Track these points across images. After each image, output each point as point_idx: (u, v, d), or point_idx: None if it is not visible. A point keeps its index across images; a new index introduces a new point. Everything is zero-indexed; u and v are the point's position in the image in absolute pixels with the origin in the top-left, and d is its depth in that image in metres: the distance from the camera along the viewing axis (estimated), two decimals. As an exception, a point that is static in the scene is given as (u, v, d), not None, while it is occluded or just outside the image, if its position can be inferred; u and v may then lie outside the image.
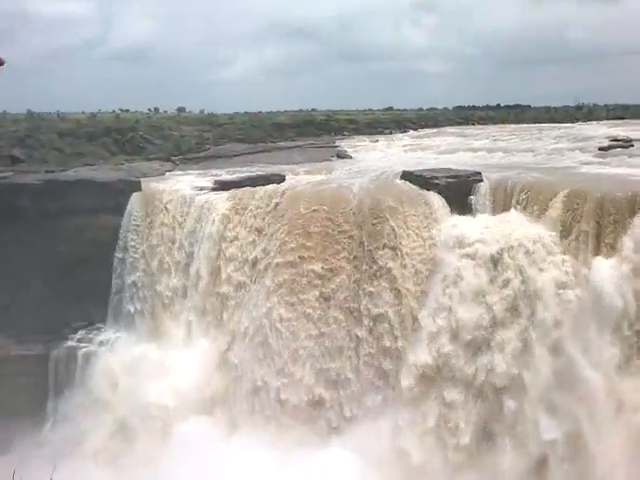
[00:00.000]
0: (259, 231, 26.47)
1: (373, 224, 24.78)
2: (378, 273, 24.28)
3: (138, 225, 27.58)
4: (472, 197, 25.48)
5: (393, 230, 24.47)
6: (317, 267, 24.80)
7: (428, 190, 26.10)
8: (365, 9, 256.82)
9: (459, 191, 25.67)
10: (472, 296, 22.23)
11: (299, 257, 24.92)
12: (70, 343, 27.16)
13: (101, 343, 26.91)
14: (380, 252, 24.32)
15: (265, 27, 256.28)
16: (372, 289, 24.17)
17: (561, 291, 21.30)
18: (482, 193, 25.45)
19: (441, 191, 25.93)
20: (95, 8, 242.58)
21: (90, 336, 27.20)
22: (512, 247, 22.18)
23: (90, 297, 27.04)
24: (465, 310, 22.12)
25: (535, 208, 23.68)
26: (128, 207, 27.70)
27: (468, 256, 22.89)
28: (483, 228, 23.51)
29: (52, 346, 27.12)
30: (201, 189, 28.92)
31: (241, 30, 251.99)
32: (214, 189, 28.71)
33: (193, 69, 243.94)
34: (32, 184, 28.50)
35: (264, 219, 26.46)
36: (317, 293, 24.56)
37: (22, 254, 27.01)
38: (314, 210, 25.49)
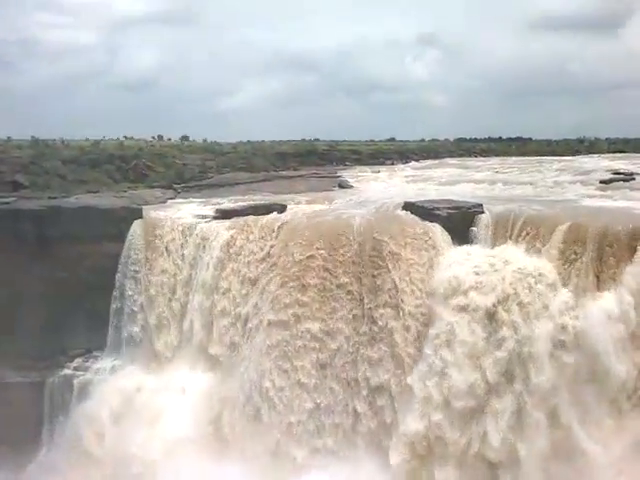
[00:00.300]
0: (252, 282, 25.57)
1: (374, 276, 23.86)
2: (378, 336, 23.30)
3: (137, 271, 27.09)
4: (473, 228, 25.43)
5: (395, 285, 23.45)
6: (314, 327, 23.74)
7: (430, 221, 26.01)
8: (368, 41, 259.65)
9: (460, 222, 25.59)
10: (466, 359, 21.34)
11: (293, 315, 23.86)
12: (66, 371, 26.89)
13: (97, 371, 26.56)
14: (381, 311, 23.38)
15: (268, 58, 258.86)
16: (372, 354, 23.13)
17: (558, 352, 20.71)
18: (483, 224, 25.41)
19: (442, 222, 25.84)
20: (100, 37, 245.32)
21: (87, 364, 26.90)
22: (508, 296, 21.53)
23: (88, 324, 26.82)
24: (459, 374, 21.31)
25: (535, 241, 23.48)
26: (128, 236, 27.57)
27: (463, 309, 22.07)
28: (479, 269, 22.65)
29: (48, 373, 26.85)
30: (203, 217, 28.84)
31: (244, 61, 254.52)
32: (215, 217, 28.66)
33: (197, 98, 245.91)
34: (34, 210, 28.53)
35: (257, 267, 25.51)
36: (313, 359, 23.46)
37: (22, 279, 26.88)
38: (310, 257, 24.38)
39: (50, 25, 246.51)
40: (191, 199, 34.58)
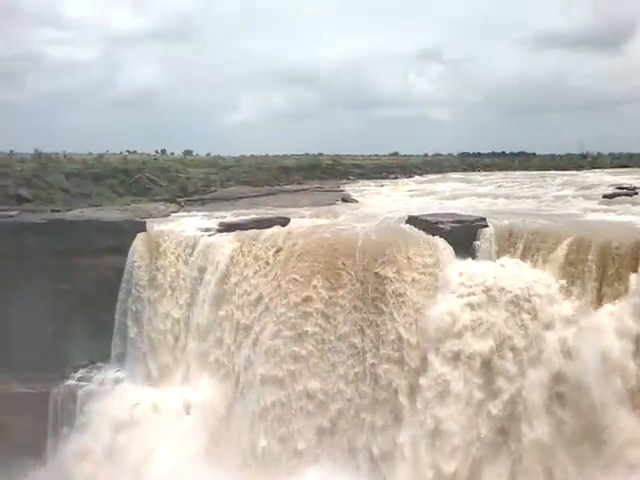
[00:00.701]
0: (246, 330, 24.51)
1: (377, 325, 22.92)
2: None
3: (139, 285, 26.77)
4: (477, 242, 25.38)
5: (399, 337, 22.51)
6: (312, 386, 22.59)
7: (434, 235, 25.93)
8: (369, 55, 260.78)
9: (464, 236, 25.49)
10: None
11: (288, 371, 22.85)
12: (70, 382, 26.89)
13: (102, 382, 26.56)
14: (385, 366, 22.35)
15: (268, 71, 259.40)
16: (375, 419, 22.06)
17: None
18: (487, 238, 25.36)
19: (446, 236, 25.80)
20: (102, 53, 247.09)
21: (91, 375, 26.91)
22: (502, 342, 21.09)
23: (92, 336, 26.76)
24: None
25: (538, 254, 23.42)
26: (131, 249, 27.50)
27: (457, 357, 21.30)
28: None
29: (53, 385, 26.83)
30: (206, 230, 28.64)
31: (244, 75, 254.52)
32: (219, 230, 28.49)
33: (198, 113, 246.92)
34: (37, 223, 28.61)
35: (252, 312, 24.40)
36: (312, 425, 22.31)
37: (25, 292, 26.87)
38: (306, 299, 23.37)
39: (52, 40, 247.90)
40: (194, 212, 34.47)
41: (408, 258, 24.01)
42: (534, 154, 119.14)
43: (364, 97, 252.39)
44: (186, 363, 25.82)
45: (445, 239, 25.40)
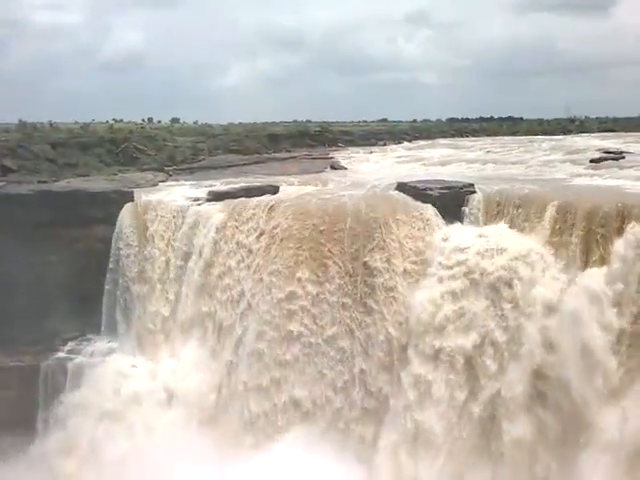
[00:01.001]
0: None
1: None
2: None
3: (128, 255, 26.88)
4: (465, 208, 25.45)
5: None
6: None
7: (423, 202, 25.86)
8: (357, 20, 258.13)
9: (452, 202, 25.56)
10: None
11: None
12: (60, 354, 26.88)
13: (92, 354, 26.58)
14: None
15: (256, 37, 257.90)
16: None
17: None
18: (475, 204, 25.43)
19: (434, 202, 25.82)
20: (87, 18, 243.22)
21: (80, 347, 26.91)
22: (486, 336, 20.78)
23: (81, 308, 26.74)
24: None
25: (526, 220, 23.54)
26: (119, 219, 27.43)
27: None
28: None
29: (42, 357, 26.83)
30: (195, 199, 28.52)
31: (232, 40, 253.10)
32: (208, 200, 28.35)
33: (186, 80, 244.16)
34: (24, 194, 28.41)
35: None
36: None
37: (13, 264, 26.75)
38: (289, 313, 22.77)
39: (37, 6, 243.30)
40: (183, 181, 34.23)
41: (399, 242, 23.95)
42: (522, 119, 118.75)
43: (353, 62, 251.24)
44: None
45: (433, 205, 25.53)
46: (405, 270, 23.42)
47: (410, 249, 23.88)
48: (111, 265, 27.20)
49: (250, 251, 25.24)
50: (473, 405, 20.48)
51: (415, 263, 23.48)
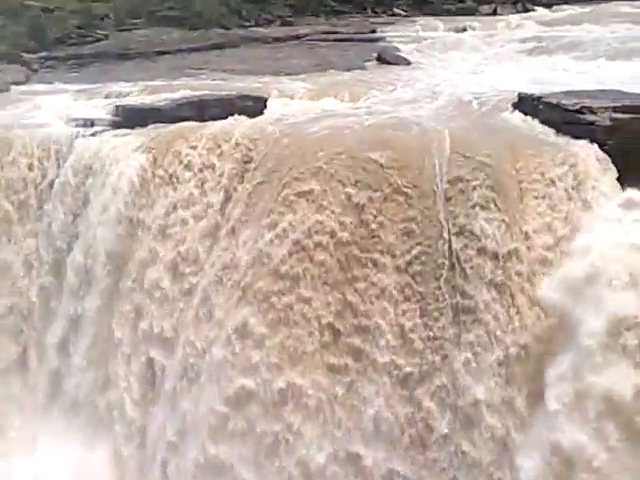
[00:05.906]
0: None
1: None
2: None
3: None
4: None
5: None
6: None
7: (575, 137, 12.91)
8: None
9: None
10: None
11: None
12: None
13: None
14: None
15: None
16: None
17: None
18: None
19: (602, 140, 12.99)
20: None
21: None
22: None
23: None
24: None
25: None
26: None
27: None
28: None
29: None
30: (85, 123, 15.16)
31: None
32: (114, 124, 14.90)
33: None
34: None
35: None
36: None
37: None
38: None
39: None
40: (61, 84, 20.40)
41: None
42: None
43: None
44: None
45: (599, 145, 12.62)
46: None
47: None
48: None
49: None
50: None
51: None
